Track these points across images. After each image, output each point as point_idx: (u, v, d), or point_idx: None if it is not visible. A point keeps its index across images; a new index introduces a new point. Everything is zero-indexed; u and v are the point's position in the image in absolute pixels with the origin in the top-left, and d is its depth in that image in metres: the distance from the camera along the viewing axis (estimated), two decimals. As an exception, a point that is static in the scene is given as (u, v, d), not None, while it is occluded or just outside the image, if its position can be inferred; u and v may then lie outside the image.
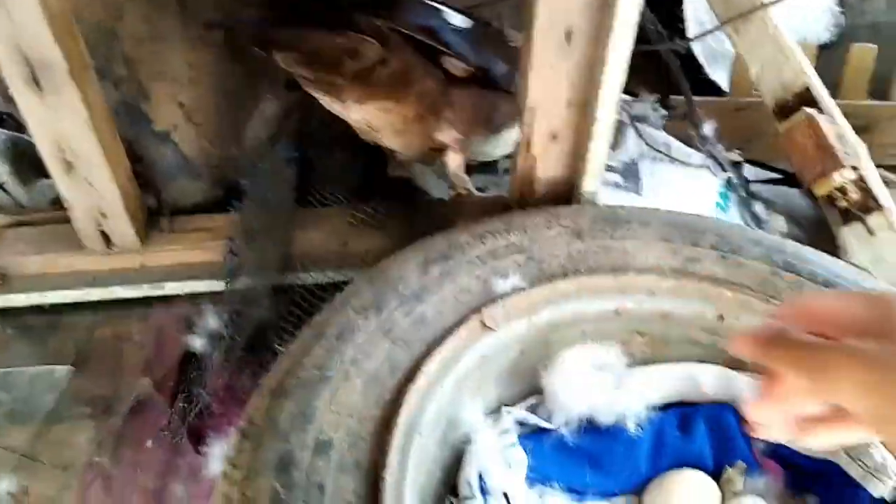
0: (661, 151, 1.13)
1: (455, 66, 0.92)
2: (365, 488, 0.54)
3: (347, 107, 0.93)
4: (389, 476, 0.54)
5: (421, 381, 0.61)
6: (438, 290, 0.68)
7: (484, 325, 0.66)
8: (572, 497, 0.67)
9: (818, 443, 0.42)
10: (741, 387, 0.70)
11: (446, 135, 0.95)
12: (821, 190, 0.99)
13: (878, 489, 0.62)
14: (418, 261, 0.70)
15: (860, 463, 0.64)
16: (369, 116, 0.93)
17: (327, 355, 0.61)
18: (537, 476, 0.66)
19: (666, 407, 0.72)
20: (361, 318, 0.64)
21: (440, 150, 0.98)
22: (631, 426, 0.69)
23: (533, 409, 0.70)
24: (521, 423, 0.70)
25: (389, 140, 0.98)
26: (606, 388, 0.69)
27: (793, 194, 1.20)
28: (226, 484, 0.53)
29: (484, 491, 0.62)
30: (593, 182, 0.87)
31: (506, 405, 0.70)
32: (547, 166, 0.87)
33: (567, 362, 0.68)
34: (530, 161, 0.86)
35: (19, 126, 1.05)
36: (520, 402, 0.71)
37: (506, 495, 0.59)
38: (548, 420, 0.70)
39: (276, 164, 1.03)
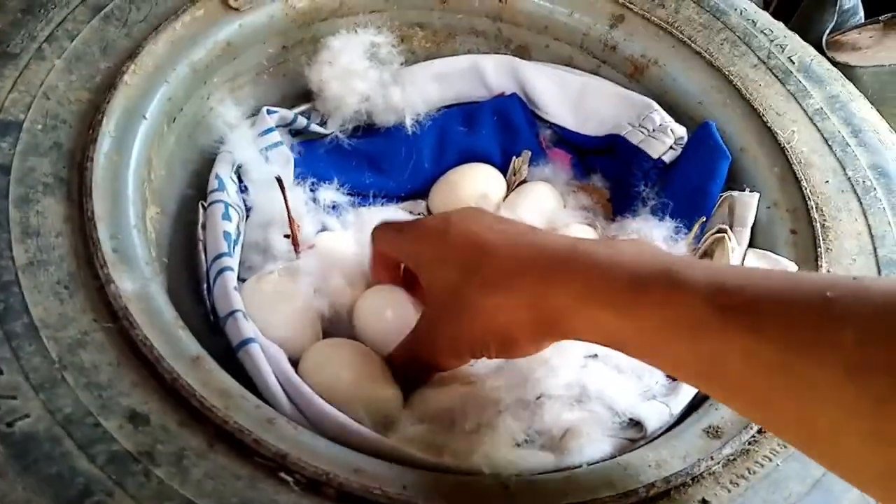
0: None
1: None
2: (69, 171, 0.45)
3: None
4: (98, 157, 0.45)
5: (145, 62, 0.51)
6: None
7: (225, 2, 0.56)
8: (354, 201, 0.61)
9: None
10: (526, 73, 0.65)
11: None
12: None
13: (657, 150, 0.60)
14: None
15: (642, 128, 0.62)
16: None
17: (12, 30, 0.48)
18: (310, 178, 0.59)
19: (450, 108, 0.67)
20: (59, -7, 0.51)
21: None
22: (411, 126, 0.63)
23: (304, 117, 0.62)
24: (291, 132, 0.62)
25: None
26: (384, 84, 0.62)
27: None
28: None
29: (242, 188, 0.55)
30: None
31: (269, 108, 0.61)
32: None
33: (336, 52, 0.60)
34: None
35: None
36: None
37: (279, 180, 0.52)
38: (322, 126, 0.63)
39: None
